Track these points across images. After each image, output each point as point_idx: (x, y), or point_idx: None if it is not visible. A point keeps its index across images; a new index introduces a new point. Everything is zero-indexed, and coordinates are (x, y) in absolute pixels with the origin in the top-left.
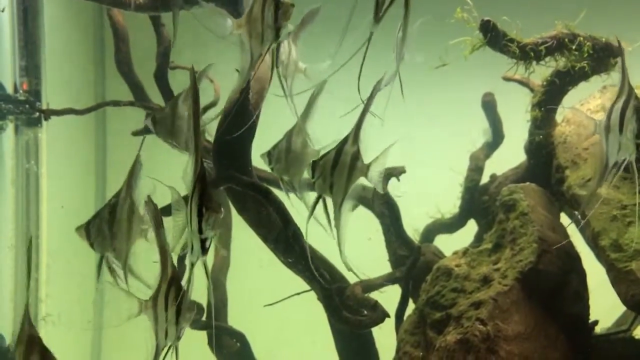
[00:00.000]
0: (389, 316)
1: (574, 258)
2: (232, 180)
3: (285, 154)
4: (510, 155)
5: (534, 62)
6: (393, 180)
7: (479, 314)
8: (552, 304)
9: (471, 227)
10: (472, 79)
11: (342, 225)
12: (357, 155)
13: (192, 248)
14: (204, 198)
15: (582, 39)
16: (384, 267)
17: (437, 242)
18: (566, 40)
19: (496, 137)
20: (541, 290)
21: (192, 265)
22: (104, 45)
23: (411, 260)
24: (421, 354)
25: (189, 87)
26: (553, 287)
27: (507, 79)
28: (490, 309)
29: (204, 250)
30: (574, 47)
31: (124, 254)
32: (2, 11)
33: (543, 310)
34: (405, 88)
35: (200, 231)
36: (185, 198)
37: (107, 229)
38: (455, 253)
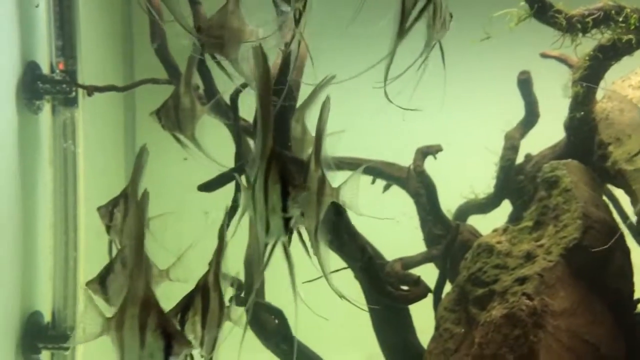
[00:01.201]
0: (431, 292)
1: (618, 234)
2: (277, 156)
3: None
4: (541, 135)
5: (580, 35)
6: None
7: (524, 289)
8: (596, 280)
9: (504, 209)
10: (508, 55)
11: (322, 254)
12: (323, 180)
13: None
14: (286, 175)
15: (628, 10)
16: (407, 250)
17: (469, 222)
18: (612, 12)
19: (532, 116)
20: (586, 267)
21: (273, 246)
22: (132, 23)
23: (450, 238)
24: (462, 330)
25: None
26: (597, 264)
27: (544, 56)
28: (536, 284)
29: (287, 230)
30: (620, 19)
31: None
32: (37, 6)
33: (588, 286)
34: (439, 66)
35: (285, 210)
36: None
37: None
38: (494, 231)
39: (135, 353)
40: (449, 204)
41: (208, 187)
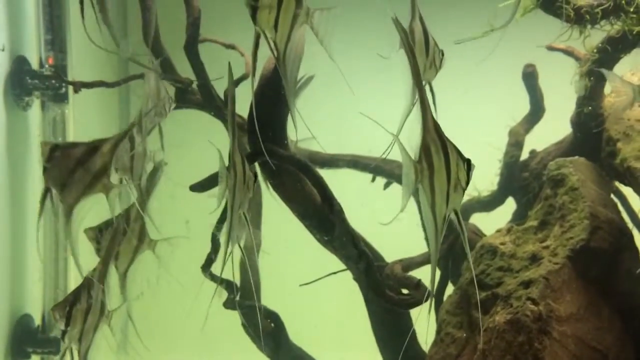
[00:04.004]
0: (433, 295)
1: (627, 235)
2: (270, 154)
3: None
4: (545, 130)
5: (589, 26)
6: None
7: (529, 294)
8: (604, 283)
9: (507, 206)
10: (511, 50)
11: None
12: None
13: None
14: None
15: (639, 1)
16: (408, 248)
17: (472, 220)
18: (623, 2)
19: (537, 111)
20: (593, 269)
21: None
22: (126, 16)
23: (451, 239)
24: (464, 334)
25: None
26: (605, 266)
27: (551, 49)
28: (541, 288)
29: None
30: (631, 9)
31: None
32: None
33: (595, 289)
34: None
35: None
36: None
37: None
38: (498, 231)
39: None
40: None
41: (201, 187)
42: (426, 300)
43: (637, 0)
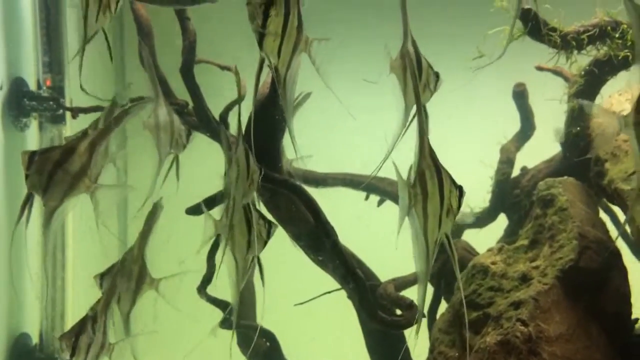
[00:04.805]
0: (425, 316)
1: (615, 255)
2: (265, 179)
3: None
4: (538, 147)
5: (575, 52)
6: None
7: (519, 314)
8: (593, 302)
9: (500, 223)
10: (502, 69)
11: None
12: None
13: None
14: None
15: (625, 26)
16: (405, 265)
17: (465, 237)
18: (609, 28)
19: (527, 129)
20: (582, 289)
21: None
22: (123, 37)
23: (444, 257)
24: (456, 354)
25: None
26: (594, 285)
27: (540, 69)
28: (531, 309)
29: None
30: (617, 35)
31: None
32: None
33: (584, 309)
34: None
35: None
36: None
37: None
38: (489, 250)
39: None
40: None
41: (195, 210)
42: (415, 323)
43: (622, 26)
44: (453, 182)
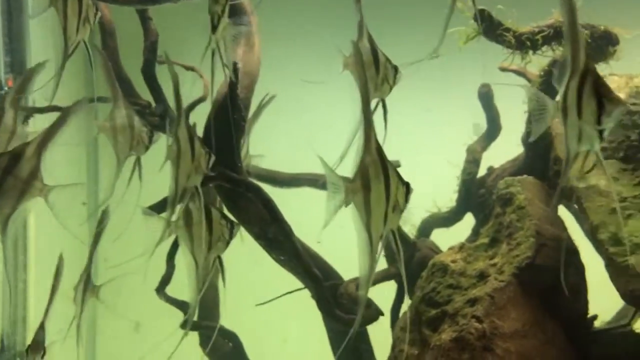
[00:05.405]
0: (382, 314)
1: (572, 252)
2: (221, 178)
3: None
4: (508, 147)
5: (531, 52)
6: None
7: (474, 311)
8: (549, 299)
9: (469, 221)
10: (469, 69)
11: None
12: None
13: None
14: None
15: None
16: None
17: (435, 236)
18: (563, 28)
19: (493, 129)
20: (538, 285)
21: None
22: (91, 41)
23: (407, 256)
24: (417, 352)
25: None
26: (551, 282)
27: (504, 70)
28: (486, 305)
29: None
30: None
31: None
32: None
33: (541, 305)
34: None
35: None
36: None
37: None
38: (451, 248)
39: None
40: (414, 218)
41: (154, 210)
42: (352, 326)
43: None
44: (400, 178)
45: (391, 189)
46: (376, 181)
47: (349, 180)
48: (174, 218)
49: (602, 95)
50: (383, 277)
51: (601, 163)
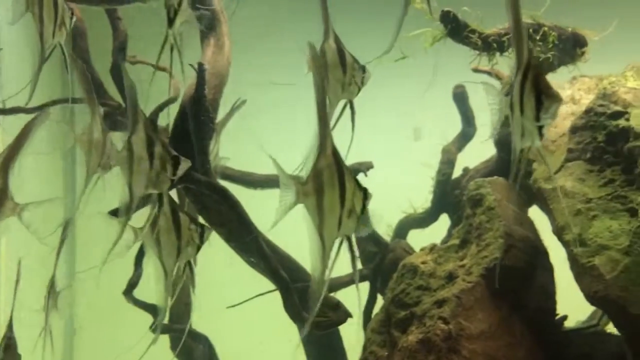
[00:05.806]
0: (351, 316)
1: (541, 253)
2: (188, 179)
3: None
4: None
5: (498, 54)
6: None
7: (441, 313)
8: (518, 299)
9: (446, 222)
10: (443, 70)
11: None
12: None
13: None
14: None
15: (547, 29)
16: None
17: (412, 237)
18: (530, 30)
19: (468, 130)
20: (506, 286)
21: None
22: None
23: (379, 257)
24: (386, 353)
25: None
26: (519, 283)
27: (476, 70)
28: (453, 307)
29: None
30: (538, 37)
31: None
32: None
33: (508, 306)
34: (373, 81)
35: None
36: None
37: None
38: (422, 250)
39: None
40: (390, 219)
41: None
42: (319, 329)
43: (544, 28)
44: (358, 184)
45: (347, 194)
46: (330, 186)
47: (301, 182)
48: (138, 224)
49: (541, 91)
50: (352, 279)
51: (543, 159)
